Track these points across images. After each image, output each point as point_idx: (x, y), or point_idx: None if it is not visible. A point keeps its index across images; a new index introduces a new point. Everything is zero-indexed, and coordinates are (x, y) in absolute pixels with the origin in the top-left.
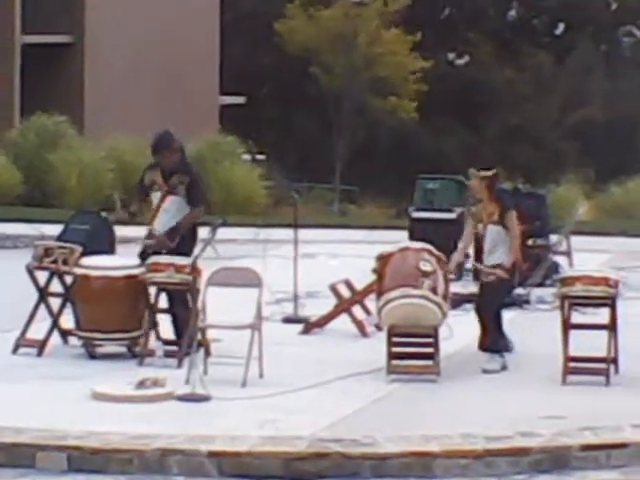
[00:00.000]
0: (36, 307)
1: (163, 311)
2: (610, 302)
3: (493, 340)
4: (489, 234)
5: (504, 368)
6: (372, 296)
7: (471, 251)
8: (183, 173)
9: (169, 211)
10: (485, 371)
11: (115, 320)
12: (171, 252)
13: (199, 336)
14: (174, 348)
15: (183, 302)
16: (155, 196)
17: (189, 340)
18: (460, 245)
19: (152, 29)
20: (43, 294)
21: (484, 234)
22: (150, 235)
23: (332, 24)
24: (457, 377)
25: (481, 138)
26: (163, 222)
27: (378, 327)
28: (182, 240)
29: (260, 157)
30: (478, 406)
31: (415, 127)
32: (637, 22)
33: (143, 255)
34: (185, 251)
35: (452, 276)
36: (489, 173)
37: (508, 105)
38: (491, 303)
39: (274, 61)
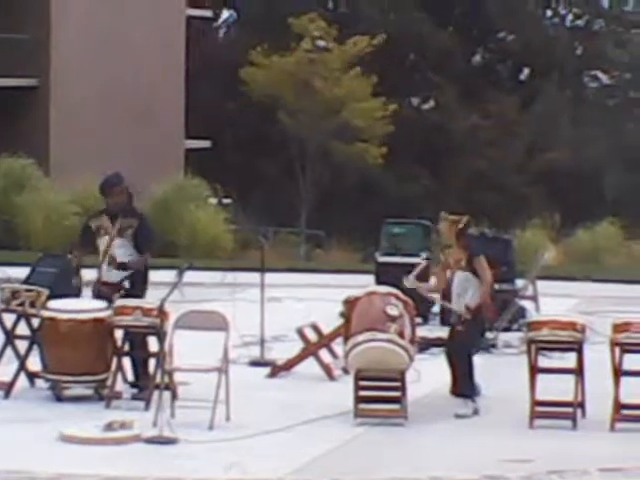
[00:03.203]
0: (3, 349)
1: (125, 354)
2: (577, 346)
3: (465, 385)
4: (457, 280)
5: (476, 412)
6: (339, 340)
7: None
8: (131, 217)
9: (117, 255)
10: (457, 416)
11: (82, 363)
12: (124, 295)
13: (166, 379)
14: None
15: (142, 345)
16: (102, 241)
17: (153, 382)
18: (431, 282)
19: (117, 73)
20: (10, 337)
21: (452, 280)
22: (99, 280)
23: (294, 69)
24: (424, 421)
25: (446, 183)
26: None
27: (345, 370)
28: (133, 283)
29: (226, 201)
30: (445, 450)
31: (380, 172)
32: (602, 66)
33: (97, 299)
34: (137, 294)
35: (419, 320)
36: (461, 219)
37: (472, 150)
38: (461, 348)
39: (239, 106)
